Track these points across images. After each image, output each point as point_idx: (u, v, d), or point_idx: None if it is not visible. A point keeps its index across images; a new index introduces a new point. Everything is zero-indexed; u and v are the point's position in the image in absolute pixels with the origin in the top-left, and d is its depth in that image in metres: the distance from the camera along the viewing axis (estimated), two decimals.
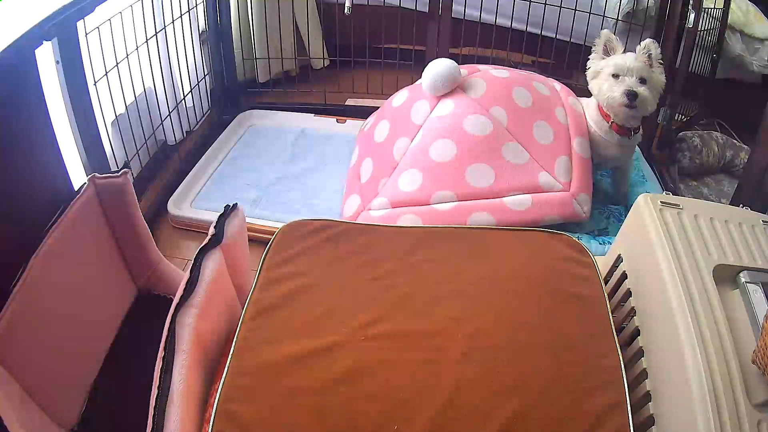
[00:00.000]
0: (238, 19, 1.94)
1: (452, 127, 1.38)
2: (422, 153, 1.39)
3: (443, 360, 0.78)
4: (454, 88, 1.44)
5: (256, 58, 2.04)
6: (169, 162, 1.72)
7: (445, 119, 1.40)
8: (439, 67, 1.42)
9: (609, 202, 1.57)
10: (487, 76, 1.48)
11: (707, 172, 1.84)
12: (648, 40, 1.36)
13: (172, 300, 0.81)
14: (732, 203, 1.25)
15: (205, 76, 1.87)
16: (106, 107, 1.36)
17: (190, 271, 0.85)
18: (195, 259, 0.88)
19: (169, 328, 0.79)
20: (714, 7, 1.81)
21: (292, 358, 0.77)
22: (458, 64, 1.45)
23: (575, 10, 1.80)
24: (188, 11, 1.70)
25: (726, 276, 0.83)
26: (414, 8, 1.89)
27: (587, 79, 1.45)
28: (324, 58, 2.20)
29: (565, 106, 1.49)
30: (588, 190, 1.40)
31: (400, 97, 1.56)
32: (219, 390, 0.74)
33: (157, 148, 1.72)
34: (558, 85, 1.57)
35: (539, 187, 1.36)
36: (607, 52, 1.41)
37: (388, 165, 1.43)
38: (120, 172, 1.03)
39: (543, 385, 0.76)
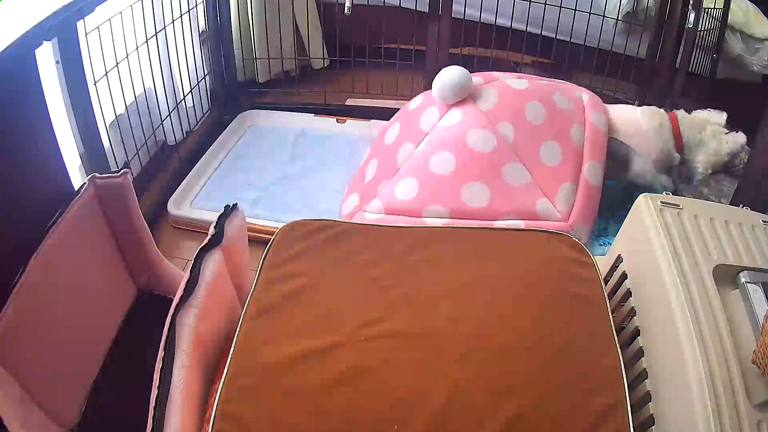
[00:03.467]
0: (238, 19, 1.93)
1: (455, 140, 1.35)
2: (422, 162, 1.37)
3: (442, 360, 0.78)
4: (464, 97, 1.39)
5: (256, 58, 2.04)
6: (169, 162, 1.72)
7: (449, 130, 1.37)
8: (448, 76, 1.38)
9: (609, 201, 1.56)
10: (502, 86, 1.42)
11: None
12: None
13: (172, 300, 0.81)
14: (732, 203, 1.25)
15: (205, 76, 1.87)
16: (106, 107, 1.36)
17: (190, 271, 0.85)
18: (195, 259, 0.88)
19: (169, 328, 0.79)
20: (714, 7, 1.81)
21: (292, 358, 0.77)
22: (459, 64, 1.43)
23: (575, 10, 1.79)
24: (188, 11, 1.70)
25: (726, 276, 0.83)
26: (414, 8, 1.88)
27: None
28: (324, 58, 2.20)
29: (585, 123, 1.40)
30: (588, 220, 1.34)
31: (416, 100, 1.53)
32: (219, 390, 0.74)
33: (157, 148, 1.72)
34: (587, 96, 1.48)
35: (535, 214, 1.32)
36: None
37: (391, 168, 1.42)
38: (120, 172, 1.03)
39: (543, 385, 0.76)
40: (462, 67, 1.41)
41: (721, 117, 1.37)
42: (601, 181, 1.38)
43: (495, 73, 1.51)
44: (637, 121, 1.43)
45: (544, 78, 1.58)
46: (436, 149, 1.36)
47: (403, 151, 1.42)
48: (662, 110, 1.44)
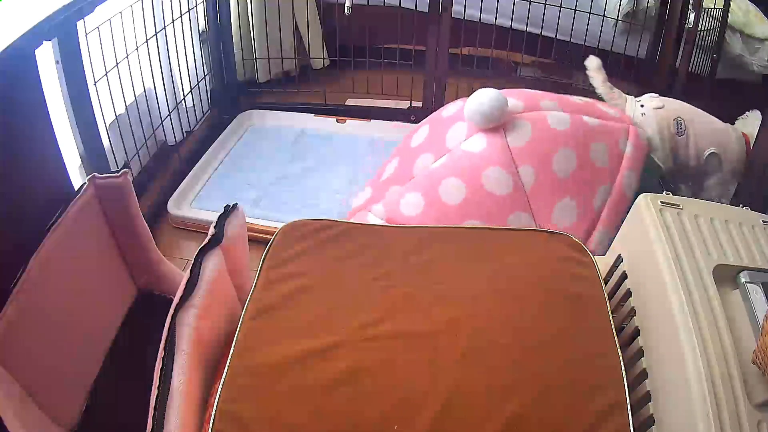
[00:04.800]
0: (238, 19, 1.93)
1: (471, 171, 1.28)
2: (434, 183, 1.30)
3: (443, 360, 0.78)
4: (495, 125, 1.29)
5: (256, 58, 2.04)
6: (169, 162, 1.72)
7: (469, 157, 1.29)
8: (478, 104, 1.28)
9: None
10: (539, 122, 1.30)
11: None
12: None
13: (172, 300, 0.81)
14: (732, 203, 1.25)
15: (205, 76, 1.87)
16: (106, 107, 1.36)
17: (190, 271, 0.85)
18: (195, 259, 0.88)
19: (169, 328, 0.79)
20: (714, 7, 1.81)
21: (292, 358, 0.77)
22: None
23: (575, 10, 1.80)
24: (188, 11, 1.70)
25: (726, 276, 0.83)
26: (414, 8, 1.89)
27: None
28: (324, 58, 2.20)
29: (615, 184, 1.30)
30: None
31: (451, 107, 1.45)
32: (219, 390, 0.74)
33: (157, 148, 1.72)
34: (631, 146, 1.32)
35: None
36: None
37: (406, 174, 1.39)
38: (120, 172, 1.03)
39: (543, 385, 0.76)
40: (499, 93, 1.29)
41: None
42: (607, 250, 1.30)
43: (542, 100, 1.35)
44: (742, 151, 1.48)
45: (598, 109, 1.39)
46: (450, 173, 1.29)
47: (422, 160, 1.37)
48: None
